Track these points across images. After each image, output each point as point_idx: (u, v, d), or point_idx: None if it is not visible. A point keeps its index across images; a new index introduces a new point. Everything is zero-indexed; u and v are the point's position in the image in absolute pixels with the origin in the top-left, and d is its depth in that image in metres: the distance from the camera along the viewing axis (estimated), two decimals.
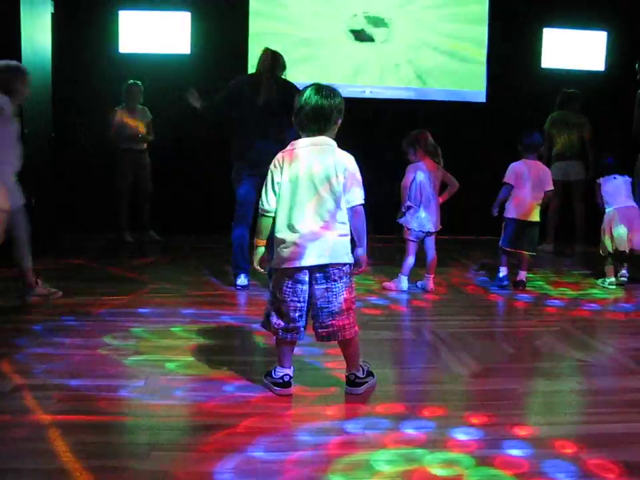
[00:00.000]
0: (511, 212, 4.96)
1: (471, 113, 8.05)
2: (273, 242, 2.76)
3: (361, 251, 2.76)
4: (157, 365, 3.12)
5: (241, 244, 4.74)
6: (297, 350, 2.92)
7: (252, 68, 7.85)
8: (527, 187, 4.92)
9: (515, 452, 2.29)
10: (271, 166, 2.75)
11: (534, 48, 8.20)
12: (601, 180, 5.28)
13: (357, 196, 2.70)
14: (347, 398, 2.77)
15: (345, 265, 2.70)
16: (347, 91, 7.98)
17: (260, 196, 2.80)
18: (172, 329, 3.75)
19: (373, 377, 2.88)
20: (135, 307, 4.26)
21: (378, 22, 8.10)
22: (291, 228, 2.67)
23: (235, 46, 7.76)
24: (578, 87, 7.38)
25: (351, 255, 2.72)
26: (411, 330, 3.92)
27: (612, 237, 5.07)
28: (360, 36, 8.10)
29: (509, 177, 4.97)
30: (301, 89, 2.87)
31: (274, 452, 2.26)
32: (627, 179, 5.23)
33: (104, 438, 2.33)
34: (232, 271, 4.88)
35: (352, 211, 2.71)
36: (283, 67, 4.82)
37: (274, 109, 4.57)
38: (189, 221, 7.38)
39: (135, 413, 2.57)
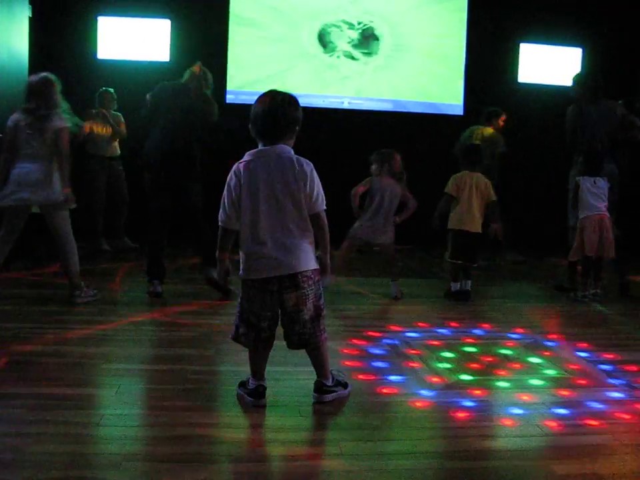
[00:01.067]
0: (453, 223, 5.04)
1: (447, 126, 8.12)
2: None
3: (324, 257, 2.74)
4: (129, 374, 3.09)
5: (158, 251, 4.77)
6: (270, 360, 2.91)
7: (231, 78, 7.89)
8: (470, 199, 4.98)
9: (486, 464, 2.30)
10: (229, 178, 2.70)
11: (511, 62, 8.32)
12: (581, 179, 5.18)
13: (319, 202, 2.69)
14: (319, 408, 2.76)
15: (311, 270, 2.69)
16: (325, 102, 8.04)
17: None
18: (147, 337, 3.72)
19: (346, 388, 2.87)
20: (109, 314, 4.22)
21: (357, 34, 8.16)
22: (257, 239, 2.65)
23: (214, 54, 7.75)
24: (554, 101, 7.48)
25: (315, 260, 2.72)
26: (384, 340, 3.92)
27: (582, 243, 5.09)
28: (340, 47, 8.14)
29: (450, 188, 5.04)
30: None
31: (246, 462, 2.24)
32: (606, 183, 5.18)
33: (74, 448, 2.29)
34: (148, 278, 4.82)
35: (315, 217, 2.70)
36: (210, 84, 4.85)
37: (191, 120, 4.65)
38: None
39: (106, 422, 2.54)
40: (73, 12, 7.43)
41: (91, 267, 5.91)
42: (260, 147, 2.73)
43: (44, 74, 4.39)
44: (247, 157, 2.72)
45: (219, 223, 2.75)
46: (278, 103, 2.69)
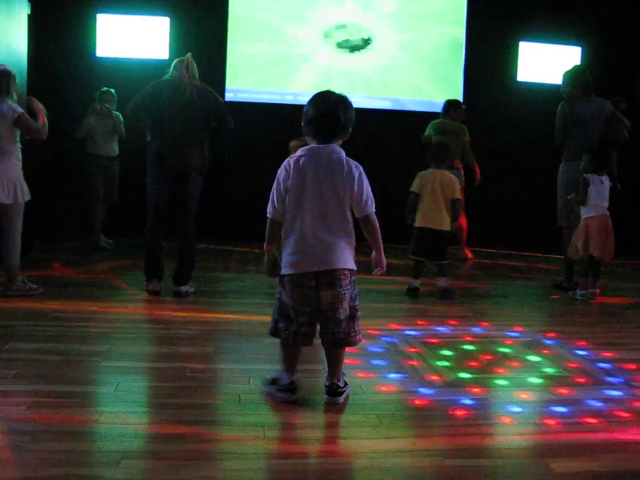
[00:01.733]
0: (417, 220, 5.06)
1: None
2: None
3: (376, 254, 2.80)
4: (128, 372, 3.09)
5: (155, 249, 4.75)
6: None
7: (229, 76, 7.88)
8: (433, 196, 5.00)
9: (485, 462, 2.30)
10: (279, 171, 2.75)
11: (510, 61, 8.32)
12: (590, 177, 5.11)
13: (368, 205, 2.72)
14: (318, 407, 2.76)
15: (349, 270, 2.71)
16: None
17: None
18: (145, 335, 3.73)
19: (348, 386, 2.88)
20: (107, 312, 4.22)
21: (356, 32, 8.16)
22: (298, 234, 2.68)
23: (213, 52, 7.76)
24: (553, 100, 7.48)
25: (354, 261, 2.74)
26: (382, 338, 3.92)
27: (587, 242, 5.06)
28: (339, 45, 8.14)
29: (414, 186, 5.07)
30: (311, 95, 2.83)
31: (245, 460, 2.24)
32: (609, 182, 5.18)
33: (73, 445, 2.30)
34: (145, 276, 4.82)
35: (365, 219, 2.73)
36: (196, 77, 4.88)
37: (193, 113, 4.62)
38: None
39: (105, 420, 2.54)
40: (72, 9, 7.42)
41: (89, 263, 5.92)
42: (313, 144, 2.75)
43: None
44: (299, 152, 2.75)
45: (267, 215, 2.78)
46: (334, 104, 2.72)
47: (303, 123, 2.78)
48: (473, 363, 3.44)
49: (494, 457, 2.35)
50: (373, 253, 2.82)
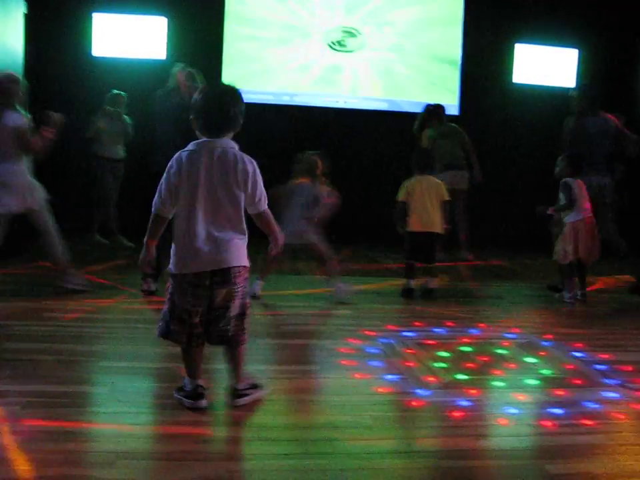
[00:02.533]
0: (409, 226, 5.12)
1: None
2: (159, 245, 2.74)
3: (274, 236, 2.76)
4: (123, 372, 3.08)
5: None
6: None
7: (226, 76, 7.87)
8: (422, 201, 5.05)
9: (481, 463, 2.30)
10: (169, 166, 2.64)
11: (506, 63, 8.34)
12: (570, 181, 5.11)
13: (262, 201, 2.67)
14: (313, 406, 2.75)
15: (243, 267, 2.65)
16: (320, 101, 8.04)
17: None
18: (140, 335, 3.71)
19: (259, 389, 2.79)
20: (103, 312, 4.21)
21: (353, 34, 8.16)
22: (191, 233, 2.58)
23: (210, 52, 7.76)
24: (549, 102, 7.51)
25: (246, 258, 2.68)
26: (376, 340, 3.91)
27: (576, 245, 5.05)
28: (335, 47, 8.15)
29: (400, 195, 5.12)
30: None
31: (239, 460, 2.23)
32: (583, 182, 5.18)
33: (68, 446, 2.28)
34: (142, 275, 4.80)
35: (258, 216, 2.70)
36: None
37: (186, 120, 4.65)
38: None
39: (100, 420, 2.53)
40: (68, 8, 7.41)
41: (85, 263, 5.89)
42: (204, 138, 2.65)
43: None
44: (190, 146, 2.66)
45: (152, 209, 2.67)
46: (223, 96, 2.65)
47: (191, 117, 2.67)
48: (469, 365, 3.44)
49: (490, 459, 2.35)
50: (271, 237, 2.76)
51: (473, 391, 3.03)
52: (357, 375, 3.17)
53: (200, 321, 2.65)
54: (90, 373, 3.08)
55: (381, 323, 4.28)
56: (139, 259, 2.76)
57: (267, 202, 2.71)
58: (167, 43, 7.63)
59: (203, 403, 2.65)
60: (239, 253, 2.64)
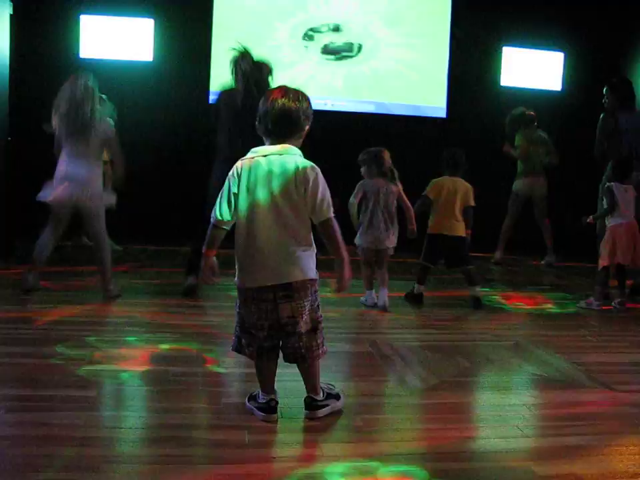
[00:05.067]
0: (431, 227, 5.00)
1: (430, 128, 8.16)
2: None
3: (337, 267, 2.57)
4: (110, 375, 3.07)
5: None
6: None
7: (214, 78, 7.85)
8: (448, 203, 4.93)
9: (467, 465, 2.31)
10: (229, 174, 2.56)
11: (494, 66, 8.37)
12: (614, 185, 5.05)
13: (324, 210, 2.51)
14: (300, 412, 2.75)
15: (310, 281, 2.54)
16: None
17: None
18: (127, 338, 3.70)
19: (338, 400, 2.74)
20: (90, 316, 4.19)
21: (341, 37, 8.17)
22: (251, 245, 2.51)
23: (198, 54, 7.74)
24: (535, 105, 7.54)
25: (315, 270, 2.58)
26: (367, 343, 3.92)
27: (615, 250, 4.96)
28: (323, 49, 8.15)
29: (428, 191, 4.99)
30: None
31: (229, 464, 2.23)
32: (634, 191, 5.12)
33: (54, 450, 2.27)
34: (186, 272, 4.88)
35: (321, 225, 2.53)
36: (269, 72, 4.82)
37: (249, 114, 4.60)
38: (147, 229, 7.30)
39: (87, 424, 2.51)
40: (55, 10, 7.36)
41: (72, 266, 5.87)
42: (266, 144, 2.59)
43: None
44: (250, 154, 2.58)
45: (211, 219, 2.59)
46: (290, 99, 2.54)
47: (256, 122, 2.59)
48: (456, 366, 3.44)
49: (477, 461, 2.36)
50: (335, 264, 2.57)
51: (460, 393, 3.05)
52: (343, 378, 3.18)
53: (268, 335, 2.58)
54: (76, 376, 3.06)
55: (368, 326, 4.29)
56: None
57: (331, 210, 2.53)
58: (154, 45, 7.61)
59: (274, 417, 2.60)
60: (303, 265, 2.52)
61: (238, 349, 2.67)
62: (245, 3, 7.96)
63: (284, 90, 2.59)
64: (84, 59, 7.45)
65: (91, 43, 7.52)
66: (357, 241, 4.76)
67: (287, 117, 2.53)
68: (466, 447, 2.45)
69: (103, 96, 6.63)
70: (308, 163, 2.55)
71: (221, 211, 2.55)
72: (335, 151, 7.51)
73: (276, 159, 2.53)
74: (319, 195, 2.50)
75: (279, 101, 2.53)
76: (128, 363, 3.28)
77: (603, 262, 5.03)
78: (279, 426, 2.58)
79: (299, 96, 2.58)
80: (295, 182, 2.50)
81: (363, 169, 4.85)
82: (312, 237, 2.58)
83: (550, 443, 2.52)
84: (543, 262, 7.20)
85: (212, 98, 7.71)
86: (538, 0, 8.05)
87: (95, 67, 7.32)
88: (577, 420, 2.75)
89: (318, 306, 2.63)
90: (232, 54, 4.73)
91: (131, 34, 7.58)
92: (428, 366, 3.42)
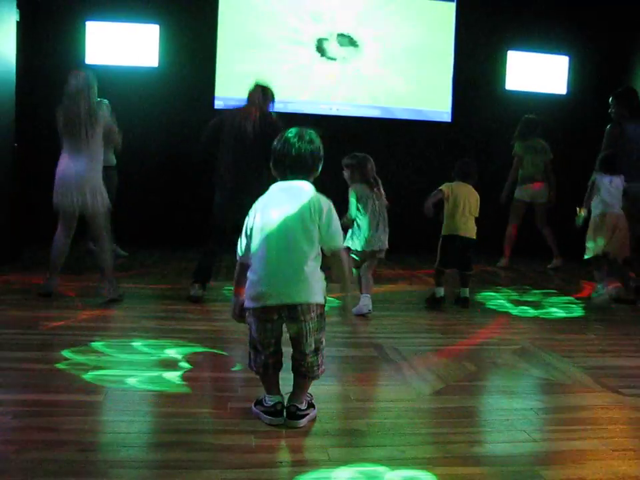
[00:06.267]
0: (444, 229, 5.04)
1: (435, 132, 8.16)
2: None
3: (345, 299, 2.72)
4: (116, 380, 3.07)
5: (212, 260, 4.95)
6: None
7: (219, 84, 7.88)
8: (460, 206, 4.97)
9: (475, 470, 2.30)
10: (250, 212, 2.69)
11: (498, 70, 8.38)
12: (597, 177, 5.22)
13: (335, 241, 2.63)
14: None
15: (316, 305, 2.61)
16: (312, 108, 8.05)
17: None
18: (133, 343, 3.70)
19: (314, 408, 2.76)
20: (96, 320, 4.20)
21: (346, 41, 8.18)
22: (261, 266, 2.60)
23: (203, 60, 7.77)
24: (540, 109, 7.54)
25: (321, 295, 2.63)
26: (372, 347, 3.91)
27: (599, 240, 5.12)
28: (329, 55, 8.17)
29: (444, 188, 5.02)
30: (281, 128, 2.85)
31: (234, 469, 2.23)
32: (623, 183, 5.24)
33: (60, 455, 2.27)
34: (192, 280, 4.95)
35: (333, 255, 2.64)
36: (271, 98, 4.94)
37: (256, 141, 4.70)
38: (152, 235, 7.32)
39: (92, 429, 2.52)
40: (61, 16, 7.40)
41: (76, 271, 5.88)
42: (280, 182, 2.70)
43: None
44: (270, 189, 2.71)
45: (237, 258, 2.72)
46: (304, 142, 2.67)
47: (271, 163, 2.71)
48: (462, 371, 3.44)
49: (484, 465, 2.35)
50: (342, 297, 2.71)
51: (466, 397, 3.04)
52: (350, 383, 3.17)
53: (274, 351, 2.67)
54: (82, 381, 3.06)
55: (375, 330, 4.28)
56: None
57: (342, 241, 2.69)
58: (159, 51, 7.64)
59: (281, 419, 2.63)
60: (308, 289, 2.58)
61: (249, 365, 2.76)
62: (250, 8, 7.98)
63: (299, 134, 2.69)
64: (90, 65, 7.47)
65: (96, 49, 7.56)
66: (353, 244, 4.73)
67: (302, 161, 2.66)
68: (473, 452, 2.45)
69: (105, 100, 6.67)
70: (321, 195, 2.65)
71: (242, 246, 2.69)
72: (339, 156, 7.52)
73: (291, 191, 2.65)
74: (333, 225, 2.61)
75: (295, 145, 2.65)
76: (133, 368, 3.28)
77: (588, 253, 5.19)
78: (285, 431, 2.58)
79: (312, 138, 2.69)
80: (310, 209, 2.59)
81: (346, 174, 4.85)
82: (319, 262, 2.64)
83: (558, 447, 2.51)
84: (549, 266, 7.20)
85: (217, 103, 7.75)
86: (543, 4, 8.06)
87: (100, 73, 7.34)
88: (584, 424, 2.74)
89: (322, 329, 2.68)
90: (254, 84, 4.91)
91: (137, 40, 7.61)
92: (434, 370, 3.41)
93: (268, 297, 2.58)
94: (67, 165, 4.58)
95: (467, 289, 5.11)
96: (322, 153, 2.72)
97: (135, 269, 6.26)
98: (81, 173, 4.55)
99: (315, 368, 2.68)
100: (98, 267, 4.79)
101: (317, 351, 2.67)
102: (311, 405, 2.75)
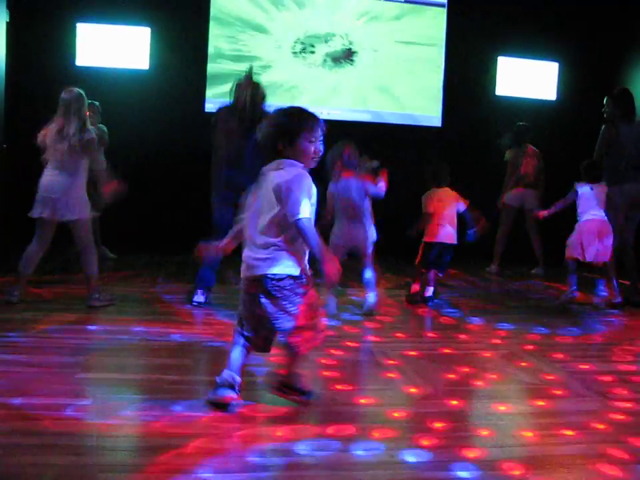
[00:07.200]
0: (426, 236, 5.23)
1: (425, 137, 8.19)
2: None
3: (321, 264, 2.70)
4: (104, 384, 3.06)
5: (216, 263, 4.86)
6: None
7: (210, 87, 7.88)
8: (439, 212, 5.17)
9: (463, 474, 2.30)
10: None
11: (489, 75, 8.42)
12: (577, 185, 5.37)
13: (294, 210, 2.59)
14: (297, 419, 2.75)
15: (283, 278, 2.66)
16: None
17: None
18: (121, 346, 3.69)
19: (300, 395, 2.87)
20: (83, 323, 4.18)
21: (337, 46, 8.20)
22: (245, 242, 2.76)
23: (194, 63, 7.77)
24: (530, 114, 7.59)
25: (293, 268, 2.66)
26: (361, 350, 3.91)
27: (580, 246, 5.23)
28: (319, 59, 8.18)
29: (424, 207, 5.24)
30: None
31: (223, 473, 2.22)
32: (604, 189, 5.34)
33: (49, 459, 2.25)
34: (195, 286, 4.92)
35: (294, 225, 2.62)
36: (263, 97, 4.82)
37: (247, 137, 4.63)
38: (141, 238, 7.29)
39: (80, 433, 2.50)
40: (52, 18, 7.38)
41: (65, 275, 5.85)
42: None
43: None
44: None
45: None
46: (270, 120, 2.75)
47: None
48: (451, 375, 3.45)
49: (471, 470, 2.35)
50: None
51: (455, 402, 3.04)
52: (338, 386, 3.17)
53: (249, 326, 2.78)
54: (71, 384, 3.05)
55: (362, 333, 4.28)
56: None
57: (302, 212, 2.59)
58: (150, 53, 7.63)
59: (234, 396, 2.74)
60: (275, 262, 2.66)
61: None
62: (241, 12, 7.99)
63: (270, 115, 2.80)
64: (80, 66, 7.47)
65: (87, 51, 7.54)
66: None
67: (264, 137, 2.73)
68: (462, 456, 2.45)
69: (96, 103, 6.65)
70: (292, 169, 2.67)
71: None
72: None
73: (269, 171, 2.71)
74: (292, 196, 2.60)
75: (263, 125, 2.75)
76: (122, 371, 3.27)
77: (567, 254, 5.31)
78: (273, 434, 2.57)
79: (278, 114, 2.76)
80: (276, 182, 2.64)
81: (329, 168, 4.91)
82: (287, 236, 2.66)
83: (547, 452, 2.51)
84: (532, 271, 7.23)
85: (208, 106, 7.75)
86: (533, 10, 8.11)
87: (90, 74, 7.36)
88: (573, 429, 2.75)
89: (306, 303, 2.71)
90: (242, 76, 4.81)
91: (127, 42, 7.60)
92: (424, 375, 3.42)
93: (246, 269, 2.74)
94: (49, 178, 4.54)
95: (431, 288, 5.30)
96: (292, 125, 2.69)
97: (125, 271, 6.23)
98: (63, 187, 4.52)
99: (300, 344, 2.74)
100: (83, 271, 4.74)
101: (301, 326, 2.73)
102: (300, 391, 2.86)
